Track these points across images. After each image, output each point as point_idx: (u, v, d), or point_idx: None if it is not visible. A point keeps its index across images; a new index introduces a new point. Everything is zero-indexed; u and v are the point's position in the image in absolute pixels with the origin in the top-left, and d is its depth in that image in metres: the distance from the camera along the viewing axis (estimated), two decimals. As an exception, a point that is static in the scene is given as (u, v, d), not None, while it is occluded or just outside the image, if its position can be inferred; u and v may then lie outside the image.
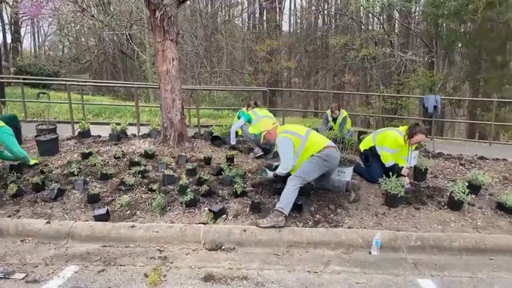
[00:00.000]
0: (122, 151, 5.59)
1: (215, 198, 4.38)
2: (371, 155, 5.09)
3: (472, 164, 6.02)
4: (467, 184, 4.42)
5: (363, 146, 5.24)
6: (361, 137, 6.63)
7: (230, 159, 5.34)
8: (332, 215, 4.15)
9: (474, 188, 4.51)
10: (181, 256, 3.51)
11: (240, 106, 11.70)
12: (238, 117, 7.56)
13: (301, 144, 4.15)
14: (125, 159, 5.39)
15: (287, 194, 3.97)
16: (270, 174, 4.49)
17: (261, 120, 4.64)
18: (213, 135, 6.59)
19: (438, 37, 15.31)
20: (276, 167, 4.43)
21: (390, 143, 4.82)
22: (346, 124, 7.96)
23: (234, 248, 3.69)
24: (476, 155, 6.76)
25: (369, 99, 19.41)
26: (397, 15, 19.43)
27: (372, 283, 3.15)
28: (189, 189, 4.33)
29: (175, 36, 5.77)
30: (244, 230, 3.80)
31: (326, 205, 4.33)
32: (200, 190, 4.41)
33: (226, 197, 4.42)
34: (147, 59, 19.58)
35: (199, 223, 3.92)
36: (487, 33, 13.08)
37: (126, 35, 20.87)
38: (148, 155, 5.43)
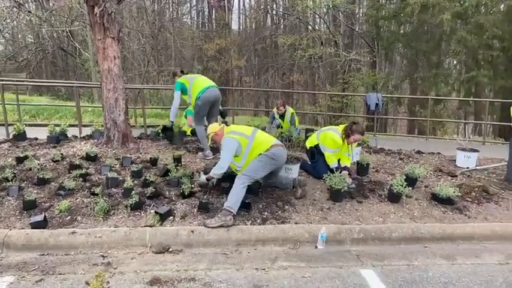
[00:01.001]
0: (61, 154, 5.30)
1: (162, 200, 4.29)
2: (316, 152, 5.23)
3: (410, 158, 6.38)
4: (404, 177, 4.68)
5: (309, 144, 5.38)
6: (308, 134, 6.78)
7: (177, 160, 5.25)
8: (280, 212, 4.22)
9: (411, 180, 4.79)
10: (126, 261, 3.40)
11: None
12: (185, 117, 7.48)
13: (248, 144, 4.19)
14: (65, 163, 5.12)
15: (235, 193, 3.99)
16: (203, 178, 4.47)
17: (211, 126, 4.60)
18: (164, 126, 6.36)
19: (379, 38, 16.07)
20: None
21: (330, 143, 5.01)
22: (296, 122, 8.11)
23: (181, 249, 3.63)
24: (414, 149, 7.17)
25: (316, 98, 19.95)
26: (341, 16, 20.10)
27: (317, 276, 3.24)
28: (134, 192, 4.21)
29: (116, 34, 5.57)
30: (192, 231, 3.75)
31: (274, 202, 4.39)
32: (146, 192, 4.29)
33: (174, 198, 4.34)
34: (89, 57, 18.72)
35: (145, 226, 3.82)
36: (422, 35, 13.94)
37: (67, 32, 19.82)
38: (90, 158, 5.20)
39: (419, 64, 15.45)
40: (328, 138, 5.04)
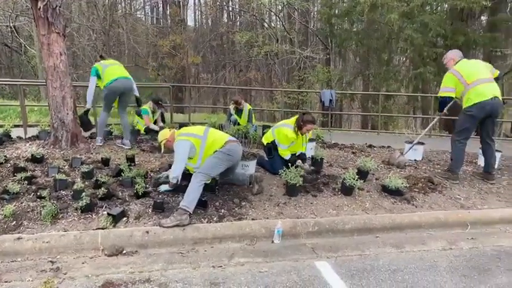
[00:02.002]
0: (5, 156, 4.99)
1: (114, 201, 4.16)
2: (273, 148, 5.29)
3: (362, 152, 6.61)
4: (356, 171, 4.85)
5: (265, 140, 5.44)
6: (264, 131, 6.85)
7: (130, 159, 5.11)
8: (237, 209, 4.22)
9: (363, 173, 4.97)
10: (77, 265, 3.27)
11: (144, 103, 11.25)
12: (139, 115, 7.29)
13: (201, 144, 4.17)
14: (8, 165, 4.83)
15: (191, 191, 3.94)
16: (166, 187, 4.38)
17: (161, 133, 4.51)
18: (80, 115, 6.12)
19: (332, 35, 16.50)
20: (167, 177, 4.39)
21: (282, 139, 5.10)
22: (252, 119, 8.15)
23: (136, 251, 3.55)
24: (366, 143, 7.44)
25: (273, 95, 20.15)
26: (296, 14, 20.41)
27: (274, 271, 3.28)
28: (84, 194, 4.04)
29: (62, 29, 5.31)
30: (147, 232, 3.67)
31: (231, 199, 4.39)
32: (97, 193, 4.14)
33: (127, 199, 4.22)
34: (36, 54, 17.75)
35: (97, 228, 3.68)
36: (373, 33, 14.46)
37: (11, 27, 18.65)
38: (36, 159, 4.93)
39: (370, 61, 16.04)
40: (281, 134, 5.12)
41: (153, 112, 7.58)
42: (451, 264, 3.50)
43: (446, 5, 13.36)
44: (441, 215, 4.36)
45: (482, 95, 5.00)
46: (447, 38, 12.65)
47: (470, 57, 13.33)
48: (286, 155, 5.15)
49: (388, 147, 7.20)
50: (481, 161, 6.01)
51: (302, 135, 5.18)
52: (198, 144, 4.16)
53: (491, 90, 5.03)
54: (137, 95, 6.39)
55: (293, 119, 5.23)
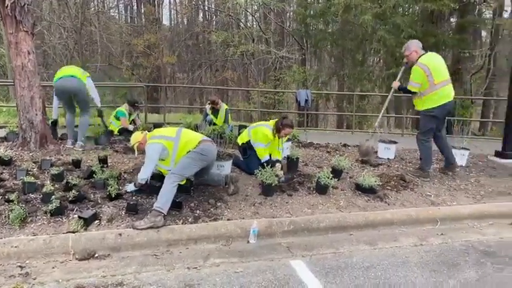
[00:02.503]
0: (-30, 159, 4.80)
1: (86, 203, 4.06)
2: (248, 148, 5.29)
3: (337, 151, 6.70)
4: (331, 169, 4.91)
5: (241, 140, 5.43)
6: (241, 130, 6.83)
7: (103, 161, 4.99)
8: (212, 209, 4.20)
9: (337, 172, 5.04)
10: (47, 270, 3.17)
11: (119, 104, 11.04)
12: (117, 118, 7.18)
13: (174, 146, 4.13)
14: (-26, 168, 4.64)
15: (165, 192, 3.90)
16: (131, 187, 4.32)
17: (134, 136, 4.45)
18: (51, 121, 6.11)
19: (307, 36, 16.65)
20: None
21: (261, 138, 5.10)
22: (229, 119, 8.14)
23: (108, 254, 3.47)
24: (341, 143, 7.54)
25: (250, 95, 20.17)
26: (272, 14, 20.49)
27: (249, 271, 3.28)
28: (54, 197, 3.93)
29: (30, 28, 5.15)
30: (120, 234, 3.60)
31: (206, 200, 4.36)
32: (68, 196, 4.03)
33: (99, 201, 4.13)
34: (4, 53, 17.12)
35: (67, 232, 3.59)
36: (347, 34, 14.69)
37: (-23, 25, 17.89)
38: (3, 162, 4.75)
39: (345, 62, 16.28)
40: (259, 133, 5.12)
41: (130, 114, 7.45)
42: (422, 259, 3.59)
43: (417, 7, 13.70)
44: (412, 212, 4.47)
45: (447, 96, 5.14)
46: (418, 39, 13.00)
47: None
48: (265, 156, 5.10)
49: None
50: (450, 159, 6.20)
51: (279, 138, 5.19)
52: (171, 146, 4.12)
53: (451, 92, 5.20)
54: (98, 105, 6.26)
55: (272, 122, 5.25)
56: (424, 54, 5.23)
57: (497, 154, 6.73)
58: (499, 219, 4.59)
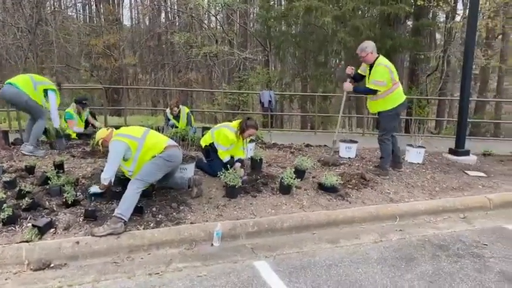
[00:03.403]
0: None
1: (41, 211, 3.87)
2: (211, 150, 5.25)
3: (300, 152, 6.78)
4: (294, 170, 4.97)
5: (204, 142, 5.37)
6: (204, 132, 6.77)
7: (59, 166, 4.78)
8: (175, 213, 4.13)
9: (300, 172, 5.09)
10: (-2, 283, 3.00)
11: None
12: (65, 120, 6.93)
13: (138, 147, 4.01)
14: None
15: (127, 199, 3.79)
16: (95, 189, 4.15)
17: (99, 131, 4.31)
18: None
19: (270, 38, 16.77)
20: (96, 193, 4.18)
21: (223, 140, 5.08)
22: (192, 121, 8.03)
23: (65, 263, 3.33)
24: (304, 143, 7.65)
25: (214, 96, 20.06)
26: (235, 15, 20.49)
27: (213, 274, 3.25)
28: (6, 205, 3.72)
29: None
30: (77, 242, 3.47)
31: (168, 204, 4.29)
32: (21, 204, 3.83)
33: (55, 209, 3.95)
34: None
35: (21, 242, 3.41)
36: (309, 35, 14.93)
37: None
38: (-51, 170, 4.47)
39: (307, 63, 16.53)
40: (222, 135, 5.10)
41: (79, 113, 7.17)
42: (382, 255, 3.70)
43: (375, 10, 14.14)
44: (373, 209, 4.60)
45: (403, 94, 5.53)
46: (376, 42, 13.42)
47: (397, 61, 14.33)
48: (225, 157, 5.13)
49: (325, 145, 7.45)
50: (408, 157, 6.45)
51: (243, 139, 5.19)
52: (135, 146, 4.01)
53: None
54: (55, 125, 6.05)
55: (236, 123, 5.23)
56: (378, 56, 5.44)
57: (451, 151, 7.06)
58: (453, 213, 4.82)
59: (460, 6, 19.54)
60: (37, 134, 5.70)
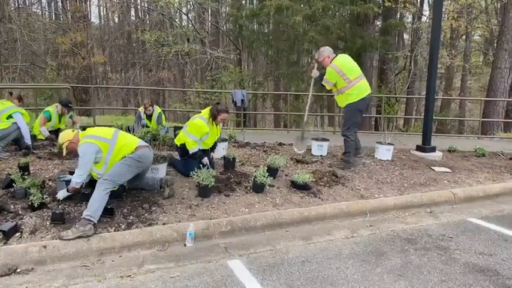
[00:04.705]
0: None
1: (5, 215, 3.74)
2: (187, 148, 5.18)
3: (273, 150, 6.83)
4: (267, 168, 4.99)
5: (178, 141, 5.31)
6: (176, 132, 6.71)
7: (24, 168, 4.61)
8: (146, 214, 4.07)
9: (273, 170, 5.12)
10: (-42, 292, 2.87)
11: (43, 106, 10.29)
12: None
13: (109, 149, 3.92)
14: None
15: (96, 200, 3.70)
16: (64, 193, 4.02)
17: (62, 133, 4.17)
18: None
19: (241, 36, 16.76)
20: (69, 181, 4.03)
21: (195, 130, 5.05)
22: (163, 121, 7.93)
23: (32, 268, 3.23)
24: (276, 141, 7.70)
25: (186, 95, 19.85)
26: (206, 14, 20.37)
27: (186, 274, 3.23)
28: (-34, 210, 3.57)
29: None
30: (44, 246, 3.36)
31: (140, 205, 4.22)
32: (-16, 208, 3.69)
33: (20, 212, 3.82)
34: None
35: (-17, 248, 3.28)
36: (280, 35, 15.01)
37: None
38: None
39: (279, 62, 16.62)
40: (193, 126, 5.07)
41: (62, 115, 6.94)
42: (353, 251, 3.78)
43: (344, 10, 14.38)
44: (344, 206, 4.69)
45: (365, 90, 5.80)
46: (347, 41, 13.67)
47: (367, 60, 14.64)
48: (194, 147, 5.05)
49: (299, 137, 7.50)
50: (377, 154, 6.61)
51: (217, 125, 5.20)
52: (106, 148, 3.92)
53: (368, 86, 5.90)
54: (28, 143, 5.86)
55: (205, 111, 5.23)
56: (334, 57, 5.82)
57: (418, 148, 7.29)
58: (420, 208, 4.99)
59: (426, 7, 20.22)
60: (10, 138, 5.64)
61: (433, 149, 7.17)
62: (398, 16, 18.25)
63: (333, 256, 3.65)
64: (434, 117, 8.18)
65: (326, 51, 5.88)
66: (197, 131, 5.04)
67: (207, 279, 3.16)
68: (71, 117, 7.25)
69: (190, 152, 5.03)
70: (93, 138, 3.93)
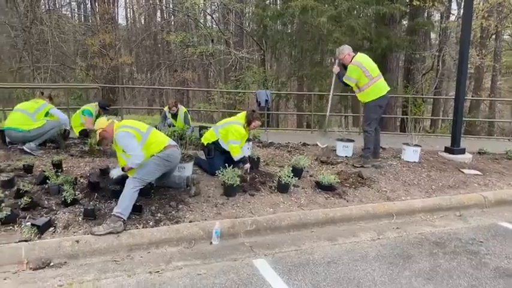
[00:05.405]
0: None
1: (39, 210, 3.88)
2: (214, 148, 5.24)
3: (297, 150, 6.81)
4: (291, 168, 4.99)
5: (205, 140, 5.35)
6: (201, 131, 6.79)
7: (57, 165, 4.78)
8: (173, 212, 4.15)
9: (297, 171, 5.12)
10: (-3, 283, 3.01)
11: (74, 105, 10.64)
12: (84, 114, 6.90)
13: (141, 141, 4.03)
14: None
15: (126, 197, 3.80)
16: (118, 171, 4.16)
17: (97, 120, 4.30)
18: None
19: (265, 37, 16.76)
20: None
21: (235, 135, 5.06)
22: (189, 120, 8.07)
23: (65, 262, 3.35)
24: (300, 142, 7.68)
25: (210, 95, 20.03)
26: (231, 14, 20.49)
27: (212, 272, 3.28)
28: (4, 204, 3.73)
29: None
30: (77, 241, 3.48)
31: (167, 202, 4.30)
32: (20, 203, 3.83)
33: (54, 208, 3.96)
34: None
35: (19, 241, 3.41)
36: (305, 35, 14.92)
37: None
38: None
39: (303, 62, 16.53)
40: (233, 130, 5.07)
41: (97, 116, 7.15)
42: (379, 253, 3.74)
43: (370, 10, 14.18)
44: (370, 208, 4.64)
45: (385, 88, 5.88)
46: (372, 41, 13.45)
47: (393, 60, 14.39)
48: (239, 154, 5.07)
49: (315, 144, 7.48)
50: (404, 155, 6.50)
51: (248, 131, 5.32)
52: (139, 139, 4.02)
53: (386, 85, 5.96)
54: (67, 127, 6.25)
55: (240, 116, 5.27)
56: (355, 55, 5.89)
57: (447, 150, 7.12)
58: (449, 211, 4.88)
59: (454, 6, 19.71)
60: (46, 137, 5.85)
61: (462, 151, 6.99)
62: (425, 15, 17.84)
63: (359, 258, 3.62)
64: (463, 118, 7.95)
65: (346, 49, 5.96)
66: (237, 135, 5.07)
67: (233, 277, 3.19)
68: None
69: (236, 159, 5.04)
70: (129, 128, 4.04)
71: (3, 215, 3.56)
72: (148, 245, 3.65)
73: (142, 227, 3.81)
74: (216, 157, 5.20)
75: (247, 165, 5.17)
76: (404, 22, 17.15)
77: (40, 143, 5.72)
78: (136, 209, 3.95)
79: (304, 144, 7.47)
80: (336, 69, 6.17)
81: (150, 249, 3.63)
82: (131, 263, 3.40)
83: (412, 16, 15.83)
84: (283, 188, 4.79)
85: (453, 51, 16.80)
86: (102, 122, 4.14)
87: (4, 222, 3.57)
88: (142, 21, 27.24)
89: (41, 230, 3.53)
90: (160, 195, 4.44)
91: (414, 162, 6.36)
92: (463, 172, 6.10)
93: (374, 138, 6.08)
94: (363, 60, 5.83)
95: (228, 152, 5.16)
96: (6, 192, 4.07)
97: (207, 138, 5.34)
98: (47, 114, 5.86)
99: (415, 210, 4.78)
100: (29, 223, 3.60)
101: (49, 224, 3.63)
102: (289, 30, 16.89)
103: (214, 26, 20.99)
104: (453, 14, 18.73)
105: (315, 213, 4.39)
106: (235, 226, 4.01)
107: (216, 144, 5.24)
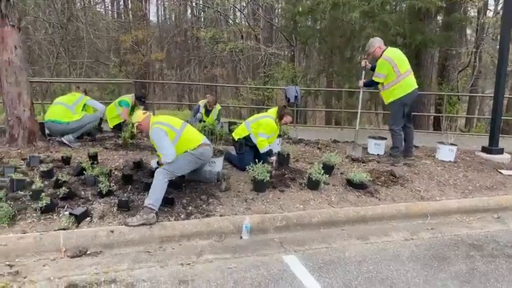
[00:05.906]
0: (-45, 156, 4.70)
1: (77, 200, 4.02)
2: (245, 143, 5.27)
3: (327, 147, 6.74)
4: (322, 165, 4.94)
5: (237, 135, 5.39)
6: (231, 127, 6.83)
7: (93, 157, 4.93)
8: (204, 206, 4.19)
9: (328, 168, 5.06)
10: (37, 268, 3.13)
11: (107, 99, 10.92)
12: (120, 105, 7.09)
13: (175, 138, 4.09)
14: (-41, 166, 4.54)
15: (157, 188, 3.87)
16: (154, 162, 4.34)
17: (135, 114, 4.42)
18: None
19: (296, 33, 16.61)
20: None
21: (266, 129, 5.15)
22: (220, 117, 8.17)
23: (101, 251, 3.45)
24: (330, 139, 7.59)
25: (239, 91, 20.10)
26: (261, 10, 20.44)
27: (242, 266, 3.29)
28: (44, 194, 3.88)
29: (17, 22, 5.06)
30: (112, 231, 3.58)
31: (198, 196, 4.36)
32: (58, 193, 3.98)
33: (90, 198, 4.09)
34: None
35: (58, 229, 3.54)
36: (335, 31, 14.70)
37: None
38: (-10, 159, 4.67)
39: (333, 59, 16.31)
40: (264, 124, 5.16)
41: (133, 107, 7.34)
42: (413, 253, 3.64)
43: (404, 5, 13.79)
44: (403, 207, 4.53)
45: (413, 84, 5.67)
46: (406, 37, 13.08)
47: (427, 56, 13.95)
48: (265, 147, 5.15)
49: (352, 142, 7.35)
50: (439, 155, 6.30)
51: (280, 126, 5.38)
52: (172, 136, 4.09)
53: (414, 81, 5.74)
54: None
55: (272, 111, 5.38)
56: (386, 49, 5.68)
57: (484, 150, 6.85)
58: (486, 213, 4.70)
59: (491, 1, 18.88)
60: (84, 130, 6.07)
61: (501, 151, 6.71)
62: (461, 10, 17.18)
63: (391, 257, 3.54)
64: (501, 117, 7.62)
65: (376, 42, 5.79)
66: (268, 129, 5.16)
67: (263, 272, 3.20)
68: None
69: (263, 151, 5.12)
70: (163, 125, 4.11)
71: (43, 204, 3.71)
72: (179, 237, 3.71)
73: (174, 220, 3.88)
74: (246, 152, 5.23)
75: (274, 158, 5.23)
76: (439, 18, 16.58)
77: (78, 136, 5.92)
78: (168, 202, 4.02)
79: (335, 141, 7.38)
80: (359, 83, 6.14)
81: (182, 241, 3.69)
82: (163, 254, 3.47)
83: (447, 11, 15.28)
84: (313, 185, 4.75)
85: (491, 47, 16.12)
86: (139, 115, 4.25)
87: (44, 211, 3.71)
88: (173, 18, 27.65)
89: (78, 219, 3.65)
90: (191, 188, 4.50)
91: (449, 161, 6.15)
92: (501, 173, 5.86)
93: (407, 136, 5.94)
94: (394, 55, 5.64)
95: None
96: (46, 182, 4.25)
97: (238, 133, 5.37)
98: (84, 106, 6.06)
99: (451, 211, 4.63)
100: (67, 212, 3.73)
101: (86, 214, 3.75)
102: (319, 26, 16.68)
103: (244, 22, 21.00)
104: (490, 10, 17.95)
105: (345, 211, 4.33)
106: (265, 221, 4.01)
107: (246, 139, 5.26)
